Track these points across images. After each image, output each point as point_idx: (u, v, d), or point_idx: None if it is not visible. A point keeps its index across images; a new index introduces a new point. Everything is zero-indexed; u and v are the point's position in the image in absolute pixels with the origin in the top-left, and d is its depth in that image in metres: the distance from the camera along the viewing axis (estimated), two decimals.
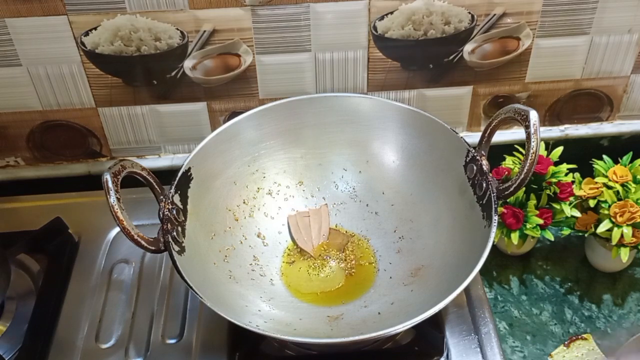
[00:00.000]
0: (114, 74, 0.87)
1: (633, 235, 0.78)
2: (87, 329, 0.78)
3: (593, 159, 0.84)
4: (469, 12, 0.84)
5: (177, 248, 0.69)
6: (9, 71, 0.85)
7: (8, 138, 0.92)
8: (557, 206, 0.82)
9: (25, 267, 0.86)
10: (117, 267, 0.86)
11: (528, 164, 0.67)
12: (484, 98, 0.94)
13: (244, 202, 0.84)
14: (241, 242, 0.81)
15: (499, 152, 0.84)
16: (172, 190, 0.73)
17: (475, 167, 0.74)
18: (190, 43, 0.84)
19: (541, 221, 0.80)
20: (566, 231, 0.85)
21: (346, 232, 0.85)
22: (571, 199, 0.82)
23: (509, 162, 0.85)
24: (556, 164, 0.83)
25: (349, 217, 0.86)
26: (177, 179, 0.74)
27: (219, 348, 0.75)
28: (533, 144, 0.66)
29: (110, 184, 0.62)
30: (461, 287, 0.63)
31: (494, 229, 0.68)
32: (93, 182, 0.96)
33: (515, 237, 0.80)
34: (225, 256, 0.78)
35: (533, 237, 0.83)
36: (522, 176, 0.68)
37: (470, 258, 0.66)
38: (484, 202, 0.72)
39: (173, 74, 0.87)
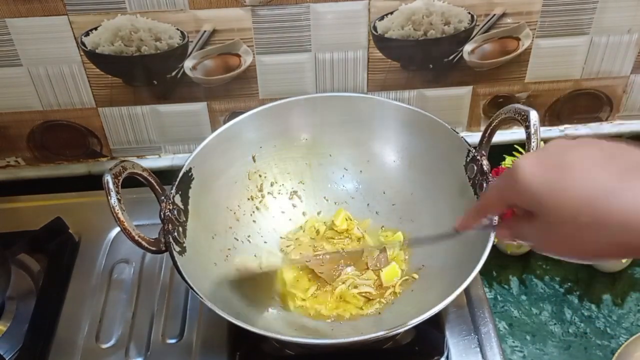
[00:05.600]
0: (114, 74, 0.87)
1: None
2: (87, 329, 0.78)
3: None
4: (469, 12, 0.84)
5: (178, 248, 0.69)
6: (9, 71, 0.85)
7: (8, 138, 0.92)
8: None
9: (26, 267, 0.86)
10: (117, 267, 0.86)
11: None
12: (484, 98, 0.94)
13: (245, 202, 0.84)
14: (242, 242, 0.81)
15: (499, 152, 0.84)
16: (173, 191, 0.72)
17: (475, 167, 0.74)
18: (190, 43, 0.84)
19: None
20: None
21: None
22: None
23: (508, 162, 0.85)
24: None
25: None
26: (178, 179, 0.74)
27: (219, 348, 0.75)
28: (533, 144, 0.66)
29: (111, 185, 0.62)
30: (461, 287, 0.63)
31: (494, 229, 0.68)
32: (93, 182, 0.96)
33: None
34: (226, 256, 0.78)
35: None
36: None
37: (470, 258, 0.66)
38: None
39: (173, 74, 0.87)
